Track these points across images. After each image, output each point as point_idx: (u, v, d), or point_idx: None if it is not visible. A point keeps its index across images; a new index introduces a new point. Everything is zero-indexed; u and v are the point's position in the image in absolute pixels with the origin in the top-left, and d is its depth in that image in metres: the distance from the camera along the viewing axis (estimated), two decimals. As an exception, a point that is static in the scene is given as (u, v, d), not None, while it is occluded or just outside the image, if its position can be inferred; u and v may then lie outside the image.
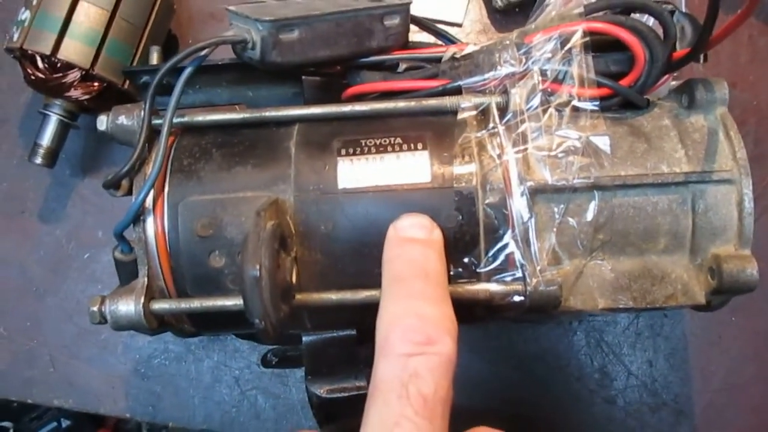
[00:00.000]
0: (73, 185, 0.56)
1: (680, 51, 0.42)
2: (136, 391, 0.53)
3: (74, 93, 0.49)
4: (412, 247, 0.36)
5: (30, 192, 0.56)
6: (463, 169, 0.39)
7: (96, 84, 0.49)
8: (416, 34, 0.51)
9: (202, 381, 0.53)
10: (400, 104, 0.41)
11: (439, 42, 0.51)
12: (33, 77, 0.49)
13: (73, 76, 0.49)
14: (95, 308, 0.39)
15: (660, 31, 0.41)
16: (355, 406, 0.42)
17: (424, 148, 0.39)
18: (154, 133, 0.41)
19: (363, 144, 0.40)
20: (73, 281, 0.55)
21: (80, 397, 0.53)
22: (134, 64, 0.51)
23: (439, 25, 0.52)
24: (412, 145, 0.39)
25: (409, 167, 0.39)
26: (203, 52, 0.40)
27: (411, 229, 0.37)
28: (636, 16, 0.43)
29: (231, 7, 0.43)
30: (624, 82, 0.41)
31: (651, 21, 0.43)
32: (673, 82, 0.46)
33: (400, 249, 0.36)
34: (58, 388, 0.53)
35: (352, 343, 0.43)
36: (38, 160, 0.51)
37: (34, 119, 0.55)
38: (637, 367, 0.52)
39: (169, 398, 0.53)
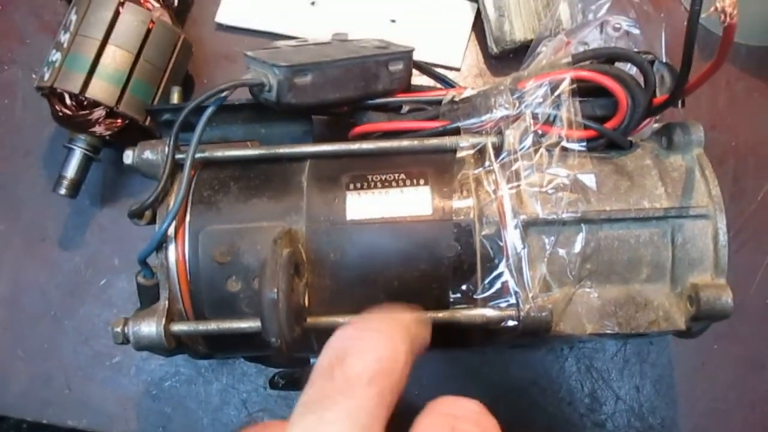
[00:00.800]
0: (92, 215, 0.59)
1: (660, 97, 0.45)
2: (147, 412, 0.56)
3: (98, 129, 0.53)
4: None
5: (51, 220, 0.59)
6: (462, 203, 0.42)
7: (119, 121, 0.53)
8: (417, 78, 0.54)
9: (210, 403, 0.56)
10: (404, 143, 0.45)
11: (439, 85, 0.55)
12: (61, 114, 0.52)
13: (99, 113, 0.52)
14: (118, 329, 0.42)
15: (641, 79, 0.46)
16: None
17: (425, 184, 0.43)
18: (176, 167, 0.45)
19: (370, 179, 0.43)
20: (90, 306, 0.57)
21: (94, 418, 0.55)
22: (155, 102, 0.54)
23: (439, 69, 0.57)
24: (414, 181, 0.43)
25: (412, 201, 0.42)
26: (224, 94, 0.44)
27: None
28: (619, 65, 0.47)
29: (249, 53, 0.46)
30: (609, 125, 0.45)
31: (634, 70, 0.47)
32: (655, 125, 0.49)
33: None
34: (72, 409, 0.56)
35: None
36: (62, 191, 0.54)
37: (56, 152, 0.58)
38: (625, 392, 0.55)
39: (179, 419, 0.55)
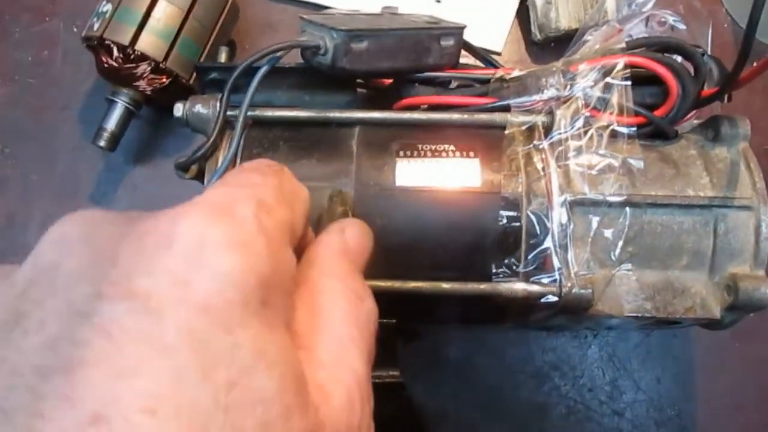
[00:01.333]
0: (126, 172, 0.59)
1: (707, 90, 0.46)
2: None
3: (142, 83, 0.53)
4: None
5: (84, 174, 0.59)
6: (510, 178, 0.42)
7: (164, 77, 0.53)
8: (462, 58, 0.55)
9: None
10: (454, 116, 0.45)
11: (483, 66, 0.56)
12: (107, 65, 0.52)
13: (144, 67, 0.52)
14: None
15: (690, 70, 0.46)
16: (386, 392, 0.45)
17: (475, 156, 0.43)
18: (226, 123, 0.45)
19: (420, 148, 0.43)
20: (118, 262, 0.57)
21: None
22: (200, 61, 0.55)
23: (481, 52, 0.57)
24: (464, 153, 0.43)
25: (461, 172, 0.43)
26: (279, 54, 0.44)
27: None
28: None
29: (305, 16, 0.46)
30: (657, 113, 0.45)
31: (680, 60, 0.47)
32: (695, 121, 0.50)
33: None
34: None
35: (391, 331, 0.46)
36: (102, 143, 0.54)
37: (94, 108, 0.58)
38: (646, 383, 0.56)
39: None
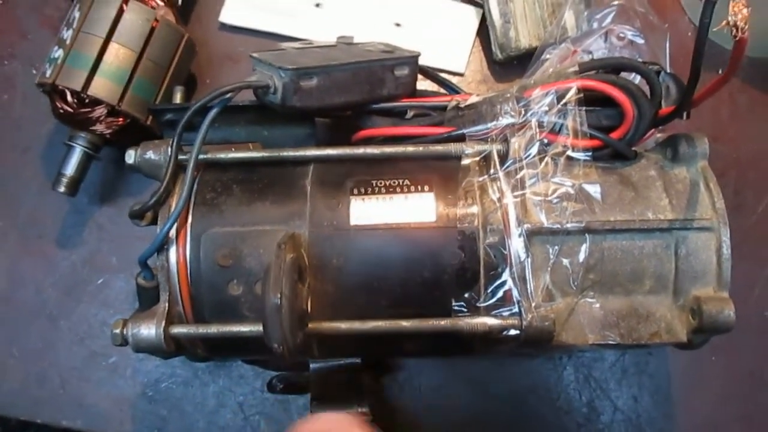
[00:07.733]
0: (91, 213, 0.58)
1: (666, 108, 0.45)
2: (143, 414, 0.55)
3: (99, 127, 0.52)
4: None
5: (48, 218, 0.58)
6: (466, 211, 0.42)
7: (121, 119, 0.52)
8: (421, 82, 0.54)
9: (207, 405, 0.55)
10: (409, 149, 0.45)
11: (443, 91, 0.55)
12: (62, 111, 0.52)
13: (100, 111, 0.52)
14: (117, 331, 0.42)
15: (647, 89, 0.45)
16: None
17: (430, 190, 0.42)
18: (179, 168, 0.44)
19: (374, 184, 0.43)
20: (86, 305, 0.57)
21: (88, 419, 0.55)
22: (157, 101, 0.54)
23: (442, 74, 0.56)
24: (419, 187, 0.43)
25: (416, 207, 0.42)
26: (229, 95, 0.44)
27: None
28: (625, 75, 0.47)
29: (255, 54, 0.46)
30: (614, 135, 0.45)
31: (638, 79, 0.47)
32: (659, 135, 0.49)
33: None
34: (66, 409, 0.55)
35: (356, 371, 0.46)
36: (62, 189, 0.53)
37: (56, 149, 0.58)
38: (623, 402, 0.55)
39: (175, 422, 0.55)
